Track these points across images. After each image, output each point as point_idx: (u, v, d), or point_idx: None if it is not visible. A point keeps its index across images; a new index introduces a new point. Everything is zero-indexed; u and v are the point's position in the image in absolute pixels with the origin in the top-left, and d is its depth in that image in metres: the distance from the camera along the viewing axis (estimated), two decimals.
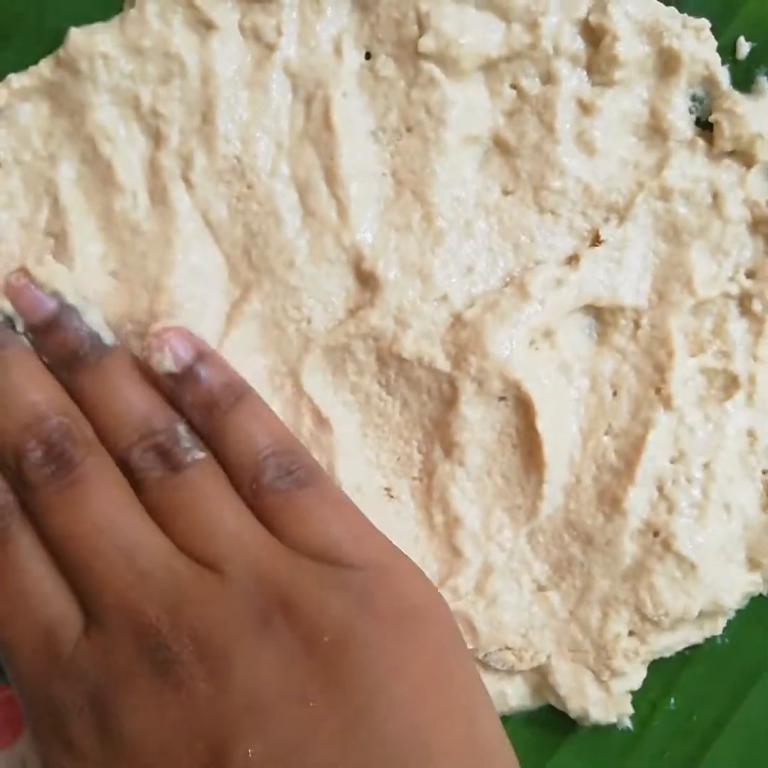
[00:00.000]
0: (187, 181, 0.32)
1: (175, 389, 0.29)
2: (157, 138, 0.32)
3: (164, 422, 0.29)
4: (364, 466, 0.32)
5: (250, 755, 0.24)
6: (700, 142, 0.32)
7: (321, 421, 0.32)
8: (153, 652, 0.25)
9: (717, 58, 0.32)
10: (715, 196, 0.32)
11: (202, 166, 0.32)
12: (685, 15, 0.32)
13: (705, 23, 0.32)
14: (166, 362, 0.29)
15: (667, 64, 0.32)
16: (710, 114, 0.32)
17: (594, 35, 0.32)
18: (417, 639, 0.26)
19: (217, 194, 0.32)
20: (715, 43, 0.32)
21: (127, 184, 0.32)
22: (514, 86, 0.32)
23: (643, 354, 0.32)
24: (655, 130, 0.32)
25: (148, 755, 0.25)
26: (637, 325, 0.32)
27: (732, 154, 0.32)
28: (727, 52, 0.32)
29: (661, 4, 0.32)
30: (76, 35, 0.32)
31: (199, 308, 0.32)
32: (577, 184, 0.32)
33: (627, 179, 0.32)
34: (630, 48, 0.31)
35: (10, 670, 0.27)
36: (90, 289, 0.31)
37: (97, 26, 0.32)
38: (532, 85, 0.32)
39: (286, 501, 0.28)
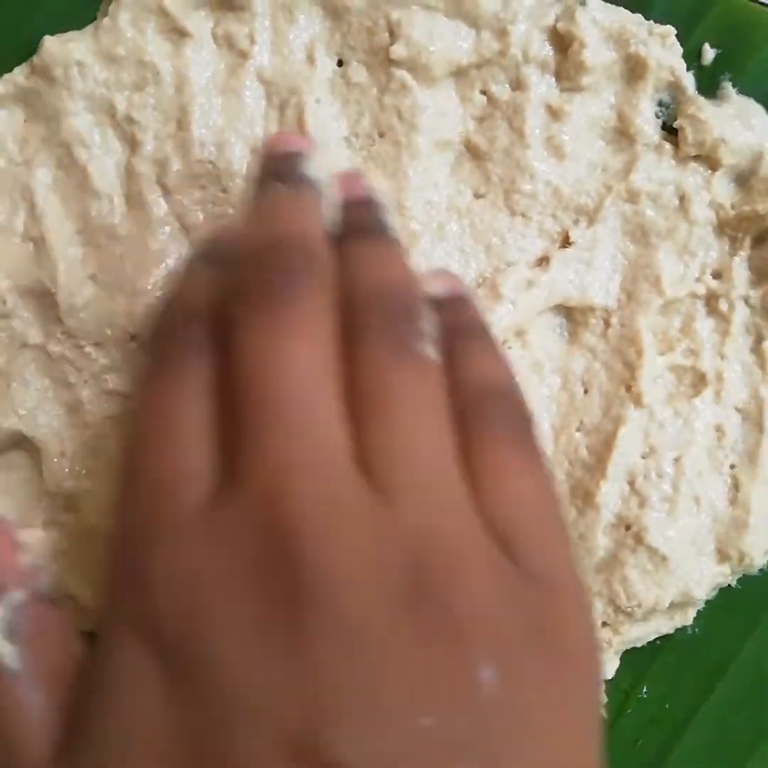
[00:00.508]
0: (162, 185, 0.32)
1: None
2: (132, 144, 0.33)
3: (410, 295, 0.24)
4: None
5: (345, 760, 0.19)
6: (667, 146, 0.33)
7: None
8: (278, 566, 0.20)
9: (682, 65, 0.33)
10: (682, 198, 0.33)
11: (178, 170, 0.32)
12: (651, 22, 0.32)
13: (670, 30, 0.32)
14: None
15: (633, 70, 0.33)
16: (676, 119, 0.33)
17: (562, 42, 0.32)
18: (566, 701, 0.21)
19: (192, 199, 0.32)
20: (680, 50, 0.33)
21: (103, 189, 0.32)
22: (484, 92, 0.33)
23: (614, 352, 0.33)
24: (623, 134, 0.33)
25: (228, 685, 0.20)
26: (606, 324, 0.33)
27: (697, 158, 0.33)
28: (692, 58, 0.33)
29: (628, 12, 0.33)
30: (51, 43, 0.32)
31: None
32: (546, 187, 0.33)
33: (595, 182, 0.33)
34: (597, 54, 0.32)
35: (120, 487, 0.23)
36: (73, 296, 0.32)
37: (72, 34, 0.33)
38: (501, 91, 0.33)
39: (492, 450, 0.22)
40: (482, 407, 0.23)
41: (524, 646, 0.20)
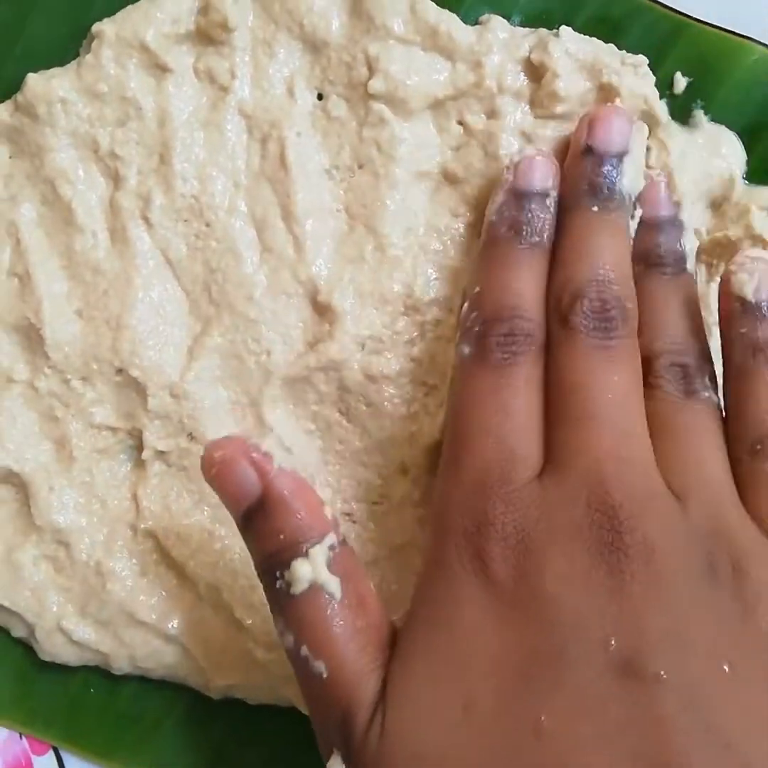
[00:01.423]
0: (146, 220, 0.33)
1: (740, 318, 0.29)
2: (115, 179, 0.33)
3: (699, 350, 0.29)
4: (325, 492, 0.33)
5: (662, 677, 0.24)
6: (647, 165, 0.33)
7: (283, 450, 0.32)
8: (601, 530, 0.25)
9: (655, 93, 0.33)
10: None
11: (161, 205, 0.33)
12: (624, 52, 0.33)
13: (643, 60, 0.33)
14: (748, 288, 0.29)
15: (607, 98, 0.33)
16: None
17: (536, 72, 0.33)
18: None
19: (176, 232, 0.33)
20: (653, 79, 0.33)
21: (87, 224, 0.33)
22: (460, 122, 0.33)
23: None
24: None
25: (559, 614, 0.25)
26: None
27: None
28: (664, 87, 0.34)
29: (601, 42, 0.33)
30: (34, 80, 0.33)
31: (162, 344, 0.33)
32: None
33: None
34: (570, 84, 0.32)
35: (446, 464, 0.28)
36: (59, 330, 0.32)
37: (55, 71, 0.33)
38: (477, 120, 0.33)
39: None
40: (762, 451, 0.28)
41: None
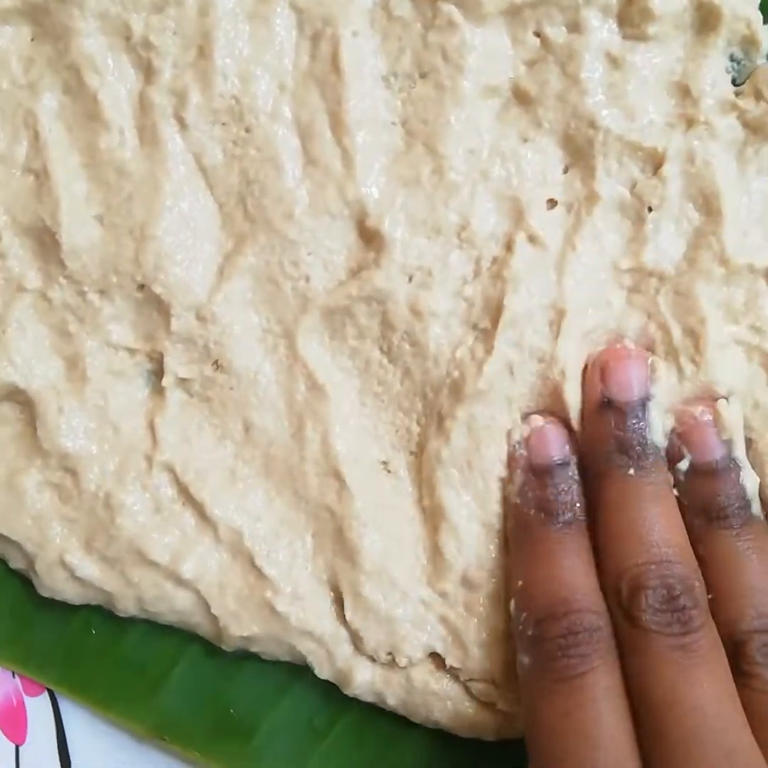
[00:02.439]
0: (179, 120, 0.30)
1: None
2: (148, 72, 0.30)
3: None
4: (361, 438, 0.31)
5: None
6: (740, 106, 0.30)
7: (316, 388, 0.30)
8: None
9: (759, 17, 0.30)
10: (741, 165, 0.30)
11: (197, 104, 0.30)
12: None
13: None
14: None
15: (705, 20, 0.30)
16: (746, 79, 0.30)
17: None
18: None
19: (212, 136, 0.30)
20: (757, 1, 0.30)
21: (113, 119, 0.30)
22: (537, 34, 0.30)
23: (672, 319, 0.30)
24: (688, 92, 0.30)
25: None
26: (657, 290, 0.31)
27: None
28: None
29: None
30: None
31: (189, 260, 0.30)
32: (607, 134, 0.30)
33: (660, 138, 0.30)
34: (666, 0, 0.29)
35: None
36: (77, 236, 0.30)
37: None
38: (557, 33, 0.30)
39: None
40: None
41: None
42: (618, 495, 0.28)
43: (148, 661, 0.32)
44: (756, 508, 0.29)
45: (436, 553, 0.30)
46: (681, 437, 0.29)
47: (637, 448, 0.28)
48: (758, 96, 0.30)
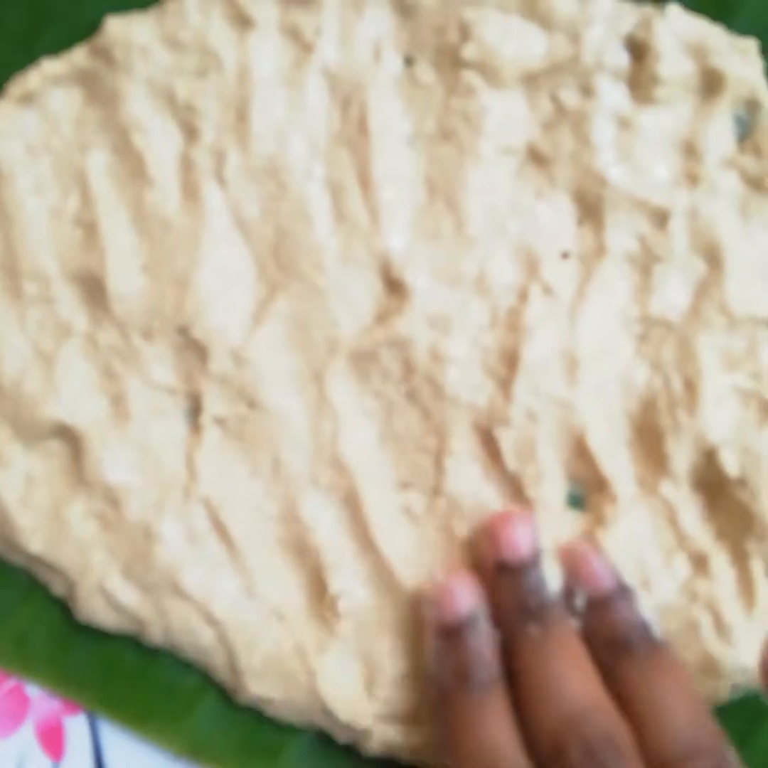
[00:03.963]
0: (219, 177, 0.32)
1: None
2: (190, 132, 0.32)
3: (713, 745, 0.27)
4: (382, 482, 0.32)
5: None
6: (740, 163, 0.32)
7: (342, 428, 0.32)
8: None
9: (763, 81, 0.31)
10: (746, 220, 0.32)
11: (236, 163, 0.32)
12: (733, 35, 0.31)
13: (752, 44, 0.31)
14: None
15: (710, 84, 0.31)
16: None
17: (638, 51, 0.31)
18: None
19: (249, 192, 0.32)
20: (761, 65, 0.31)
21: (158, 177, 0.32)
22: (552, 98, 0.32)
23: (672, 367, 0.32)
24: (693, 150, 0.32)
25: None
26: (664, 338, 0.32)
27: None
28: None
29: (708, 23, 0.31)
30: (113, 24, 0.32)
31: (226, 307, 0.32)
32: (615, 192, 0.31)
33: (667, 195, 0.31)
34: (674, 66, 0.31)
35: None
36: (122, 284, 0.31)
37: (135, 16, 0.32)
38: (571, 97, 0.31)
39: None
40: None
41: None
42: (527, 659, 0.28)
43: (180, 683, 0.33)
44: (657, 631, 0.29)
45: None
46: (571, 575, 0.29)
47: (536, 607, 0.28)
48: (758, 153, 0.31)
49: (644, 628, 0.28)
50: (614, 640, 0.28)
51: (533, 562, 0.29)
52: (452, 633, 0.28)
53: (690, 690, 0.28)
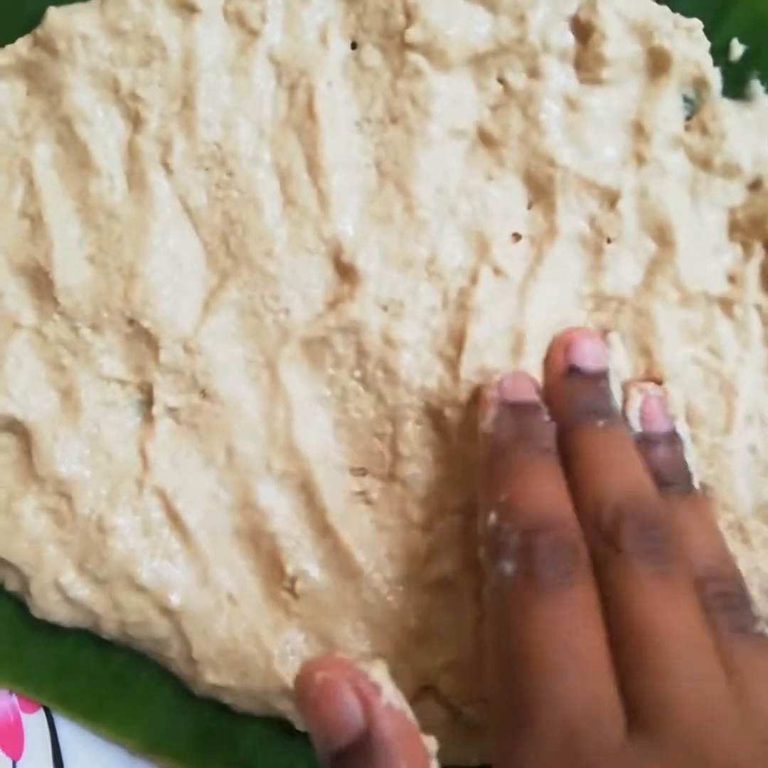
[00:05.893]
0: (166, 165, 0.31)
1: None
2: (136, 121, 0.32)
3: (737, 577, 0.28)
4: (337, 468, 0.32)
5: None
6: (686, 142, 0.32)
7: (300, 419, 0.31)
8: None
9: (709, 59, 0.31)
10: (693, 198, 0.32)
11: (182, 151, 0.31)
12: (678, 15, 0.31)
13: (697, 23, 0.31)
14: None
15: (657, 63, 0.31)
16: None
17: (584, 32, 0.31)
18: None
19: (196, 180, 0.31)
20: (707, 44, 0.31)
21: (103, 167, 0.32)
22: (500, 80, 0.31)
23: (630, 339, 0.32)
24: (642, 130, 0.32)
25: None
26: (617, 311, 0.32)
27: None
28: (720, 54, 0.32)
29: (653, 3, 0.31)
30: (55, 14, 0.31)
31: (176, 296, 0.31)
32: (565, 172, 0.31)
33: (616, 175, 0.31)
34: (619, 47, 0.31)
35: (510, 713, 0.25)
36: (69, 275, 0.31)
37: (77, 6, 0.32)
38: (518, 79, 0.31)
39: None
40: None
41: None
42: (591, 440, 0.29)
43: (135, 679, 0.33)
44: (696, 483, 0.30)
45: None
46: (631, 410, 0.30)
47: (607, 408, 0.29)
48: (705, 131, 0.31)
49: (686, 474, 0.30)
50: (661, 474, 0.29)
51: (604, 375, 0.30)
52: (517, 407, 0.29)
53: (718, 532, 0.29)
